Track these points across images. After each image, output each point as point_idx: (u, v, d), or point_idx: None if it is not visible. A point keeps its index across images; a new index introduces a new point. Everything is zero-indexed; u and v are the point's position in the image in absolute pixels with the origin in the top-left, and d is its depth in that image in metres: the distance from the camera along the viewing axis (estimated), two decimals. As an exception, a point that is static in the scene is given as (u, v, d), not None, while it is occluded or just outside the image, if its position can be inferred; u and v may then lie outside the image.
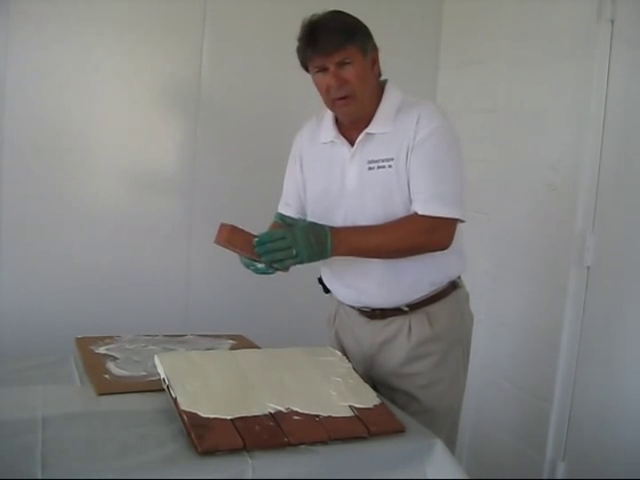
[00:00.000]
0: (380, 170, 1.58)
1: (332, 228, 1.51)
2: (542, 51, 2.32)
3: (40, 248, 2.37)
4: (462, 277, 1.75)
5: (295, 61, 1.60)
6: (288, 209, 1.80)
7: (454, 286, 1.69)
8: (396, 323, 1.66)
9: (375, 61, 1.61)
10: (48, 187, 2.37)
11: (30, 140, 2.32)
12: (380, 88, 1.64)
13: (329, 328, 1.84)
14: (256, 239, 1.48)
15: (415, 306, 1.65)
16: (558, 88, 2.26)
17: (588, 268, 2.14)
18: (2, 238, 2.32)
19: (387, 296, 1.64)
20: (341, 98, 1.56)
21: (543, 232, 2.33)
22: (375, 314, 1.68)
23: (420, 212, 1.54)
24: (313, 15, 1.55)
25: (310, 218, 1.73)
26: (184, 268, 2.56)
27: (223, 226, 1.51)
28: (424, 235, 1.54)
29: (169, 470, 1.15)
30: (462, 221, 1.59)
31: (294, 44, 1.59)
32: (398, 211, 1.58)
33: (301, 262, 1.48)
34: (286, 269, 1.53)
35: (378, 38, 1.62)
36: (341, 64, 1.53)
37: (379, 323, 1.68)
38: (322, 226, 1.51)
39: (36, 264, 2.37)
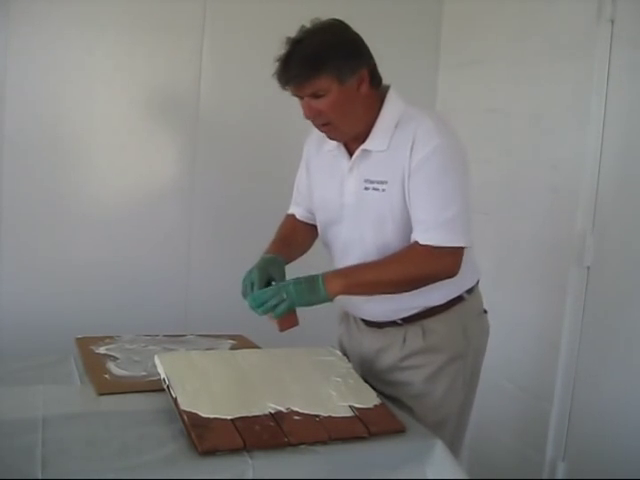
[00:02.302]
0: (375, 192, 1.53)
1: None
2: (542, 51, 2.32)
3: (40, 248, 2.37)
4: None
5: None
6: (298, 209, 1.81)
7: (457, 299, 1.63)
8: (392, 333, 1.64)
9: (363, 81, 1.50)
10: (48, 187, 2.37)
11: (30, 140, 2.32)
12: (379, 99, 1.55)
13: (339, 325, 1.84)
14: (250, 299, 1.50)
15: (410, 319, 1.62)
16: (558, 88, 2.26)
17: (588, 268, 2.14)
18: (2, 238, 2.32)
19: (378, 311, 1.63)
20: (322, 124, 1.53)
21: (543, 232, 2.33)
22: (373, 323, 1.68)
23: (421, 242, 1.47)
24: (294, 36, 1.48)
25: (319, 226, 1.73)
26: (184, 268, 2.56)
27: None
28: (426, 265, 1.48)
29: (169, 470, 1.15)
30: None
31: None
32: (389, 238, 1.53)
33: (292, 303, 1.46)
34: (282, 325, 1.50)
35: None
36: (314, 95, 1.47)
37: (378, 331, 1.67)
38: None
39: (36, 264, 2.37)
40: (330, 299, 1.48)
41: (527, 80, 2.39)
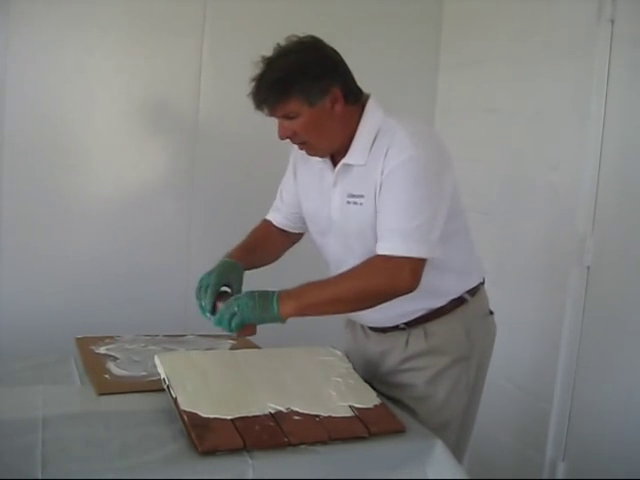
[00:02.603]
0: (354, 206, 1.51)
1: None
2: (542, 51, 2.32)
3: (40, 248, 2.37)
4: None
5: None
6: (277, 215, 1.79)
7: (460, 301, 1.63)
8: (395, 336, 1.64)
9: (336, 100, 1.46)
10: (48, 187, 2.37)
11: (30, 140, 2.32)
12: (357, 112, 1.51)
13: (345, 329, 1.83)
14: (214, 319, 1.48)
15: (413, 323, 1.61)
16: (558, 88, 2.26)
17: (588, 268, 2.14)
18: (2, 238, 2.32)
19: (380, 318, 1.62)
20: (299, 143, 1.52)
21: (544, 232, 2.33)
22: (377, 328, 1.68)
23: (379, 252, 1.44)
24: (268, 56, 1.48)
25: (311, 234, 1.72)
26: (184, 268, 2.55)
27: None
28: (382, 279, 1.43)
29: (169, 470, 1.15)
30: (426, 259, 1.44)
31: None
32: (375, 249, 1.49)
33: (243, 319, 1.42)
34: (240, 333, 1.48)
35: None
36: (286, 117, 1.46)
37: (382, 335, 1.67)
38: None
39: (36, 264, 2.37)
40: (282, 320, 1.44)
41: (527, 80, 2.39)
